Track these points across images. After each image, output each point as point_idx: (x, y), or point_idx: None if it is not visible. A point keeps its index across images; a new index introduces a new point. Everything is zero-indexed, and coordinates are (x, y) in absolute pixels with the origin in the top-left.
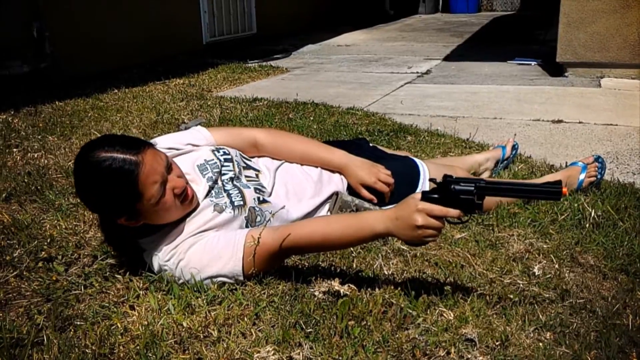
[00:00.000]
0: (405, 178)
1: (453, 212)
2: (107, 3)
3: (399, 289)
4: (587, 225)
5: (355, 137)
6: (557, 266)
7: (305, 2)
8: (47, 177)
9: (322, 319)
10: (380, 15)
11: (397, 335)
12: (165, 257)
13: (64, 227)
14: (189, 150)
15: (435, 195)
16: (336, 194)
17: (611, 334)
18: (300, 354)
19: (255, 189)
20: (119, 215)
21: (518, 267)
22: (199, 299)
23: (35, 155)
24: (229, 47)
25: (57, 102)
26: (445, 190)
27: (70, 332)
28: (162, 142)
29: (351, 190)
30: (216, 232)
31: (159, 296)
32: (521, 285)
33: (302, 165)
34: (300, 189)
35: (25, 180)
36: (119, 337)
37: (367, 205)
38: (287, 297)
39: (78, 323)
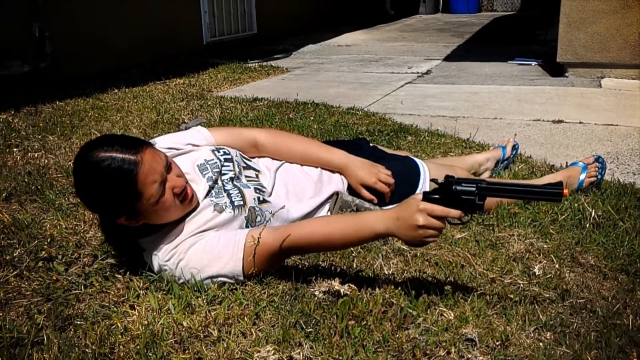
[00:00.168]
0: (405, 178)
1: (454, 212)
2: (108, 3)
3: (399, 288)
4: (588, 225)
5: (355, 137)
6: (557, 266)
7: (306, 2)
8: (48, 176)
9: (322, 319)
10: (380, 15)
11: (397, 335)
12: (165, 257)
13: (64, 226)
14: (189, 150)
15: (437, 196)
16: (336, 194)
17: (611, 334)
18: (301, 353)
19: (256, 189)
20: (118, 215)
21: (518, 267)
22: (199, 299)
23: (36, 155)
24: (230, 47)
25: (57, 102)
26: (446, 191)
27: (71, 332)
28: (162, 142)
29: (351, 190)
30: (216, 232)
31: (159, 296)
32: (521, 285)
33: (302, 165)
34: (300, 189)
35: (26, 179)
36: (119, 336)
37: (367, 205)
38: (287, 296)
39: (78, 323)
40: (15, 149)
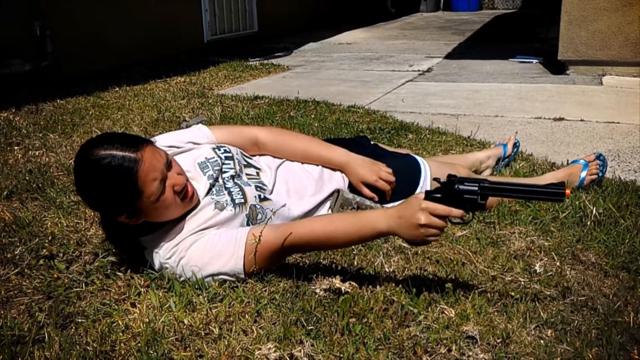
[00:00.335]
0: (406, 176)
1: (456, 211)
2: (108, 2)
3: (400, 286)
4: (589, 222)
5: (356, 135)
6: (558, 264)
7: (307, 1)
8: (49, 174)
9: (323, 317)
10: (381, 13)
11: (398, 333)
12: (166, 255)
13: (65, 224)
14: (190, 148)
15: (439, 195)
16: (337, 191)
17: (612, 331)
18: (302, 351)
19: (256, 186)
20: (119, 212)
21: (519, 265)
22: (200, 297)
23: (37, 153)
24: (230, 45)
25: (58, 100)
26: (448, 190)
27: (72, 330)
28: (163, 140)
29: (352, 188)
30: (217, 230)
31: (160, 293)
32: (522, 282)
33: (303, 163)
34: (301, 187)
35: (27, 178)
36: (120, 334)
37: (368, 202)
38: (288, 294)
39: (79, 320)
40: (16, 147)
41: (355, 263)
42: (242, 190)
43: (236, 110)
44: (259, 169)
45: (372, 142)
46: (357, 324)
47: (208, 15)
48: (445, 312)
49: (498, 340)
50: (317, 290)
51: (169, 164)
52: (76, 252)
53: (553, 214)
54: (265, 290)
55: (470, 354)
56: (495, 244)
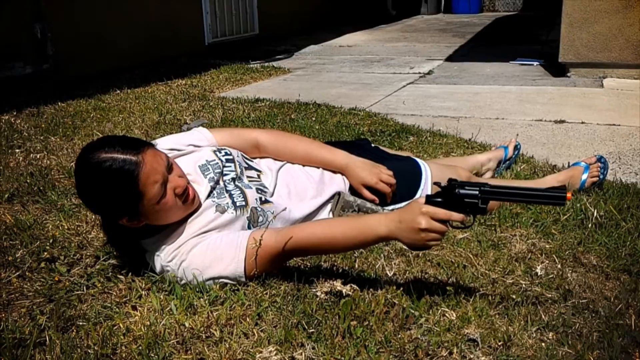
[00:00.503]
0: (407, 178)
1: (457, 216)
2: (109, 4)
3: (401, 289)
4: (590, 225)
5: (357, 137)
6: (559, 266)
7: (307, 3)
8: (50, 177)
9: (324, 319)
10: (382, 15)
11: (399, 336)
12: (167, 258)
13: (66, 227)
14: (191, 151)
15: (439, 199)
16: (338, 194)
17: (614, 334)
18: (303, 354)
19: (257, 189)
20: (120, 216)
21: (520, 267)
22: (201, 299)
23: (38, 156)
24: (231, 47)
25: (59, 103)
26: (449, 194)
27: (73, 333)
28: (164, 143)
29: (353, 190)
30: (218, 233)
31: (161, 296)
32: (523, 285)
33: (303, 166)
34: (302, 189)
35: (28, 180)
36: (122, 337)
37: (369, 205)
38: (290, 297)
39: (80, 323)
40: (17, 150)
41: (356, 266)
42: (243, 192)
43: (237, 113)
44: (260, 171)
45: (372, 145)
46: (358, 327)
47: (209, 17)
48: (447, 314)
49: (499, 343)
50: (318, 293)
51: (169, 166)
52: (77, 255)
53: (554, 216)
54: (267, 293)
55: (472, 356)
56: (496, 246)
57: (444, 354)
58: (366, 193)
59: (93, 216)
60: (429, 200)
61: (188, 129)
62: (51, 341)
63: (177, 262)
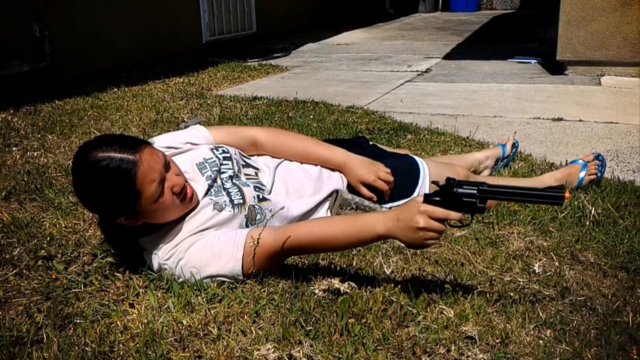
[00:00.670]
0: (405, 176)
1: (455, 214)
2: (107, 3)
3: (399, 286)
4: (587, 223)
5: (355, 135)
6: (557, 264)
7: (305, 1)
8: (47, 175)
9: (322, 317)
10: (379, 14)
11: (397, 333)
12: (165, 256)
13: (63, 225)
14: (188, 149)
15: (437, 198)
16: (336, 192)
17: (611, 331)
18: (301, 351)
19: (255, 187)
20: (117, 214)
21: (518, 265)
22: (199, 297)
23: (35, 154)
24: (229, 46)
25: (56, 101)
26: (447, 193)
27: (70, 331)
28: (161, 141)
29: (351, 188)
30: (216, 231)
31: (159, 294)
32: (521, 282)
33: (301, 163)
34: (300, 187)
35: (25, 179)
36: (119, 335)
37: (366, 203)
38: (287, 295)
39: (78, 321)
40: (14, 148)
41: (354, 263)
42: (240, 190)
43: (235, 111)
44: (258, 169)
45: (370, 143)
46: (356, 325)
47: (207, 15)
48: (444, 312)
49: (497, 341)
50: (316, 291)
51: (167, 165)
52: (75, 253)
53: (552, 214)
54: (264, 291)
55: (469, 354)
56: (494, 244)
57: (442, 352)
58: (364, 190)
59: (90, 214)
60: (427, 199)
61: (185, 127)
62: (48, 339)
63: (175, 260)
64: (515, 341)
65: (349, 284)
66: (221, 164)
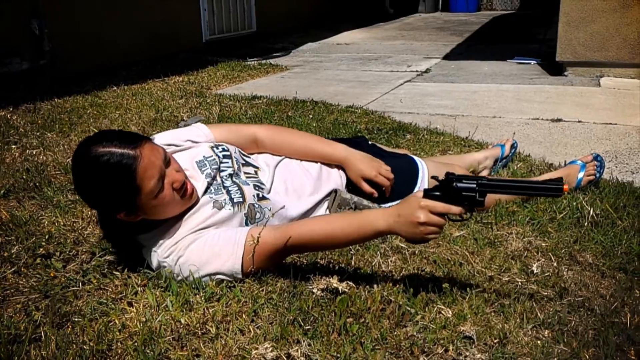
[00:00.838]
0: (404, 176)
1: (455, 209)
2: (107, 1)
3: (398, 286)
4: (586, 223)
5: (354, 135)
6: (555, 264)
7: (305, 1)
8: (46, 173)
9: (320, 316)
10: (380, 13)
11: (395, 333)
12: (164, 253)
13: (62, 223)
14: (188, 146)
15: (437, 193)
16: (335, 191)
17: (609, 332)
18: (299, 350)
19: (255, 185)
20: (117, 210)
21: (516, 265)
22: (197, 296)
23: (34, 152)
24: (229, 45)
25: (56, 99)
26: (447, 188)
27: (68, 329)
28: (161, 138)
29: (350, 187)
30: (216, 230)
31: (157, 293)
32: (520, 283)
33: (301, 161)
34: (299, 186)
35: (24, 176)
36: (117, 333)
37: (365, 202)
38: (286, 294)
39: (76, 319)
40: (13, 146)
41: (353, 263)
42: (240, 189)
43: (234, 110)
44: (257, 167)
45: (370, 143)
46: (354, 324)
47: (206, 14)
48: (443, 312)
49: (495, 341)
50: (315, 290)
51: (167, 161)
52: (73, 251)
53: (550, 214)
54: (263, 290)
55: (467, 354)
56: (492, 244)
57: (440, 351)
58: (365, 186)
59: (89, 212)
60: (427, 194)
61: (185, 126)
62: (46, 337)
63: (175, 258)
64: (513, 341)
65: (347, 283)
66: (221, 162)
